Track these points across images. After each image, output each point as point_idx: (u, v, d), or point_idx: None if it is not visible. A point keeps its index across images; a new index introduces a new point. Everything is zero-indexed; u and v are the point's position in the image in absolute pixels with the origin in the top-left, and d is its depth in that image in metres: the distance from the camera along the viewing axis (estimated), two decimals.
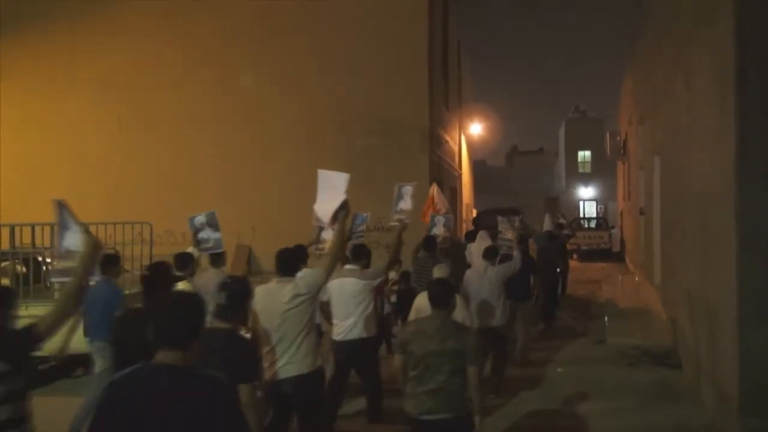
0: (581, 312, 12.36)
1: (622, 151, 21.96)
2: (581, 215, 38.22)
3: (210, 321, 3.28)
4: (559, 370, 8.11)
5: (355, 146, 14.44)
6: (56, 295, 6.68)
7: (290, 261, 4.58)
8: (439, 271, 5.79)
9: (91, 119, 15.19)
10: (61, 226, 3.47)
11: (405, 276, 8.42)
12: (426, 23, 14.75)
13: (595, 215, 38.67)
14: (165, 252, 11.88)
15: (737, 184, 4.91)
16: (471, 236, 10.08)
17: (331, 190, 4.78)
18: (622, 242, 23.93)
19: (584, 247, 23.41)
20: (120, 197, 13.91)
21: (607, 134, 23.59)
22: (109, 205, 12.70)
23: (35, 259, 8.33)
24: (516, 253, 7.55)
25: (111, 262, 5.99)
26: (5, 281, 8.11)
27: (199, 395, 2.26)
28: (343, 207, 4.72)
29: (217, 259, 6.74)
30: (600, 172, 40.71)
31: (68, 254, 3.44)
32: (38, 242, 8.02)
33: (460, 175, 22.12)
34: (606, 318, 11.26)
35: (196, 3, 14.96)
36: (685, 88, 7.65)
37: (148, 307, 3.80)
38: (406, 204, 6.87)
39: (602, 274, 18.00)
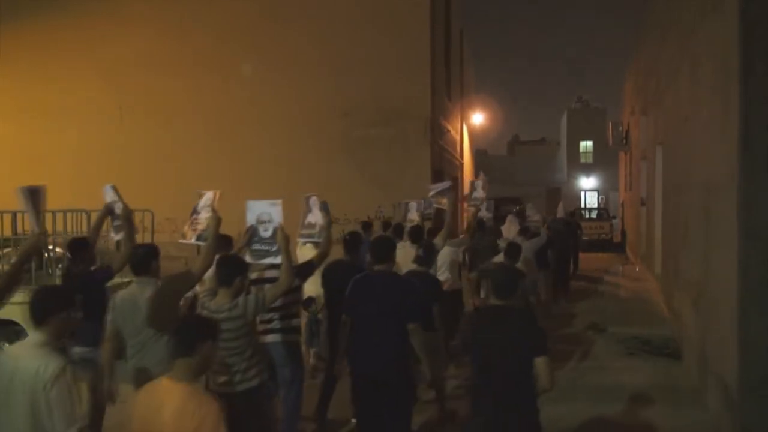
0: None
1: (624, 142, 21.90)
2: (582, 205, 38.16)
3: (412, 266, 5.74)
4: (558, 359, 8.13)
5: (356, 135, 14.42)
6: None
7: (419, 233, 7.05)
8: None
9: (92, 107, 15.17)
10: (307, 211, 5.27)
11: None
12: (428, 12, 14.67)
13: (596, 206, 38.60)
14: (166, 240, 11.88)
15: (740, 174, 4.89)
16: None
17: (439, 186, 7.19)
18: (623, 233, 23.91)
19: (585, 238, 23.34)
20: (121, 185, 13.84)
21: (610, 124, 23.51)
22: None
23: None
24: (542, 230, 9.85)
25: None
26: (7, 268, 8.11)
27: (394, 285, 4.54)
28: (450, 189, 7.01)
29: None
30: (602, 162, 40.60)
31: (311, 226, 5.21)
32: None
33: (462, 164, 22.08)
34: (606, 307, 11.29)
35: None
36: (689, 78, 7.62)
37: (351, 259, 5.91)
38: (479, 193, 8.36)
39: (603, 264, 18.01)
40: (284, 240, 4.43)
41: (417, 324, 4.39)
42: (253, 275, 4.77)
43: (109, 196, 5.55)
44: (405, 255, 6.33)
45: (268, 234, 4.61)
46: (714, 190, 5.96)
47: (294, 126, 14.52)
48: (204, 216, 4.84)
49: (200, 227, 4.85)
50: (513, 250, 7.18)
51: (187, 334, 2.95)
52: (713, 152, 6.00)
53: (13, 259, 4.18)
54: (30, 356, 2.91)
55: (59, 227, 7.83)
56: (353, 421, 5.68)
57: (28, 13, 15.37)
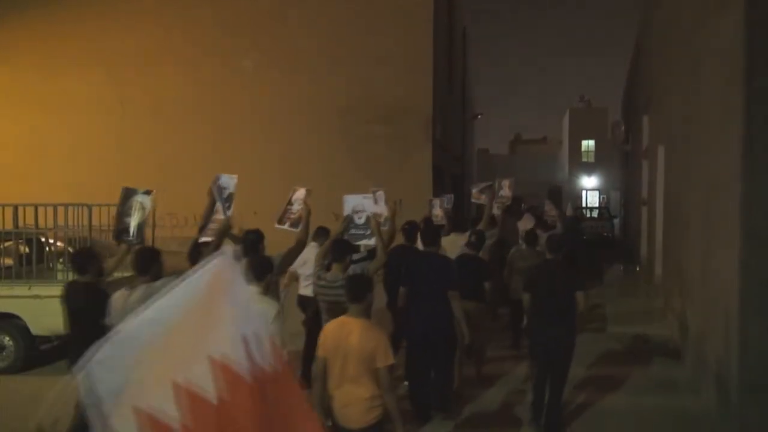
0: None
1: (626, 141, 21.89)
2: (584, 205, 38.14)
3: (463, 250, 6.93)
4: None
5: (357, 132, 14.42)
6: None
7: (463, 224, 8.20)
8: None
9: (93, 101, 15.17)
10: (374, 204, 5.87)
11: None
12: (431, 10, 14.66)
13: (597, 205, 38.58)
14: (167, 234, 11.91)
15: (742, 174, 4.88)
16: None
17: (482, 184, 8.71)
18: (624, 232, 23.92)
19: (586, 237, 23.29)
20: (121, 179, 13.86)
21: (611, 124, 23.52)
22: (110, 186, 12.66)
23: (38, 240, 8.30)
24: (558, 224, 10.41)
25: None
26: (8, 261, 8.11)
27: (438, 260, 5.92)
28: (490, 187, 8.57)
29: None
30: (603, 161, 40.55)
31: (378, 216, 5.74)
32: (41, 223, 7.97)
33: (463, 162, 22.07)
34: (606, 306, 11.28)
35: None
36: (692, 77, 7.60)
37: (411, 244, 7.02)
38: (506, 192, 9.39)
39: (604, 264, 17.99)
40: (377, 226, 5.47)
41: (455, 292, 5.64)
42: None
43: (225, 182, 6.17)
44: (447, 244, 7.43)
45: (362, 221, 5.64)
46: (715, 190, 5.95)
47: (295, 122, 14.52)
48: (296, 208, 5.91)
49: (293, 217, 5.93)
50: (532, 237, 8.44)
51: (359, 288, 3.96)
52: (715, 152, 5.99)
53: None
54: (255, 300, 4.03)
55: (60, 221, 7.81)
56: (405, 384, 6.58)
57: (29, 5, 15.36)
